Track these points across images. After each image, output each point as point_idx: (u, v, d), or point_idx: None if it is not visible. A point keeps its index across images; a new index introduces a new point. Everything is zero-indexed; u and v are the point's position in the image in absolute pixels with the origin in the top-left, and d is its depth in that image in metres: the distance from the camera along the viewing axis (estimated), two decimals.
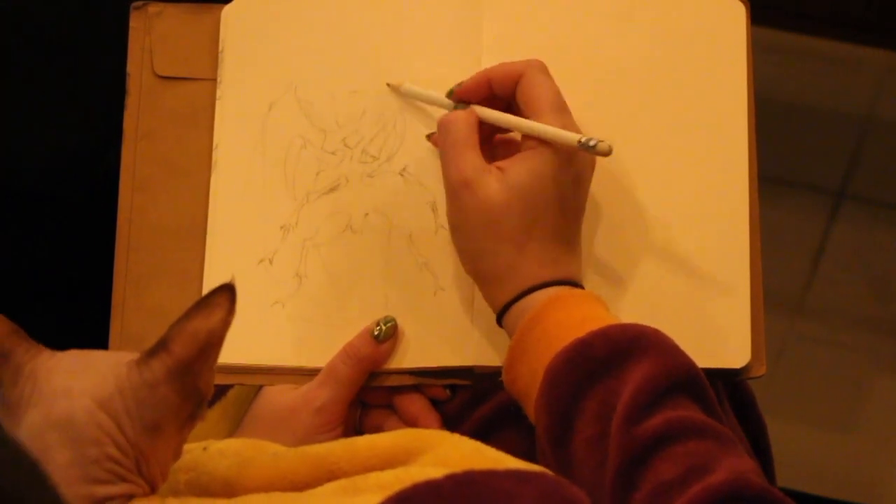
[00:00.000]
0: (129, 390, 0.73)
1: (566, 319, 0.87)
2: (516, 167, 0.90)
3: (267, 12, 1.01)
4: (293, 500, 0.75)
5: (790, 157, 2.07)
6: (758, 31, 1.00)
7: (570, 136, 0.88)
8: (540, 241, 0.90)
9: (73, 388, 0.71)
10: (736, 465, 0.80)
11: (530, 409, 0.88)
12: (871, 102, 2.11)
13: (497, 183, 0.89)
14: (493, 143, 0.95)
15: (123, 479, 0.73)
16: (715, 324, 0.95)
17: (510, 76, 0.93)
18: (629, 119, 0.97)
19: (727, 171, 0.97)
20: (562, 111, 0.91)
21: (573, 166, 0.90)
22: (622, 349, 0.84)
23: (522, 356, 0.88)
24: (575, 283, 0.91)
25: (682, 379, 0.84)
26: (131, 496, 0.73)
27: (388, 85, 0.99)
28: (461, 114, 0.92)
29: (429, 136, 0.98)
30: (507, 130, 0.95)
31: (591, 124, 0.96)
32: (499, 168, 0.90)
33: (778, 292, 1.97)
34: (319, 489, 0.76)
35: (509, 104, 0.94)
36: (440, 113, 0.95)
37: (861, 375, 1.96)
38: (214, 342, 0.73)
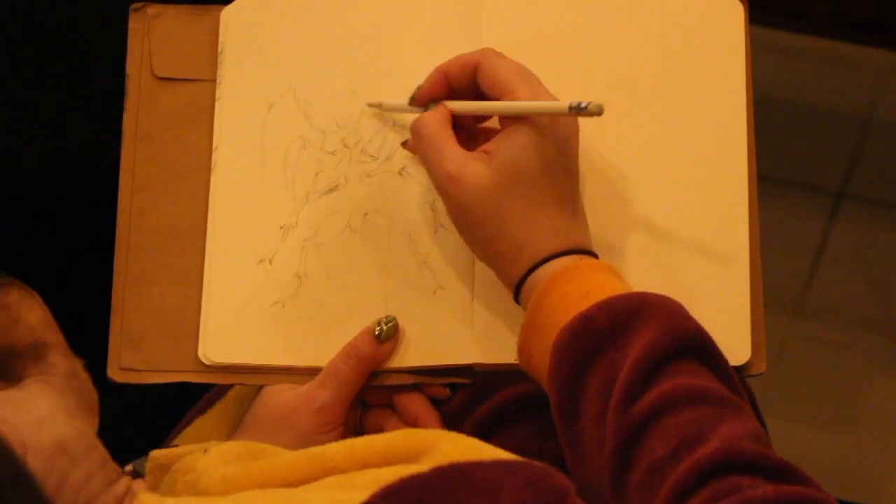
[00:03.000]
0: (66, 389, 0.73)
1: (574, 292, 0.87)
2: (501, 146, 0.89)
3: (266, 13, 1.01)
4: (286, 495, 0.75)
5: (790, 157, 2.07)
6: (758, 31, 1.00)
7: (560, 105, 0.88)
8: (540, 212, 0.89)
9: (40, 416, 0.71)
10: (731, 431, 0.80)
11: (546, 386, 0.88)
12: (871, 102, 2.11)
13: (485, 167, 0.89)
14: (476, 134, 0.95)
15: (118, 474, 0.73)
16: (715, 322, 0.94)
17: (466, 67, 0.92)
18: (628, 119, 0.98)
19: (727, 171, 0.97)
20: (530, 82, 0.90)
21: (557, 131, 0.89)
22: (624, 320, 0.84)
23: (535, 333, 0.88)
24: (584, 250, 0.91)
25: (686, 343, 0.83)
26: (130, 490, 0.73)
27: (369, 105, 0.99)
28: (429, 114, 0.92)
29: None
30: (485, 119, 0.95)
31: (590, 125, 0.96)
32: (484, 151, 0.90)
33: (778, 292, 1.97)
34: (314, 483, 0.76)
35: (477, 96, 0.93)
36: None
37: (861, 375, 1.96)
38: (52, 316, 0.75)
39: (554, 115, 0.89)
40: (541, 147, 0.89)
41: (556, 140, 0.89)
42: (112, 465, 0.73)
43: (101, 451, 0.73)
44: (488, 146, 0.90)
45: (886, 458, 1.91)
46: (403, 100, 0.96)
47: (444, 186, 0.90)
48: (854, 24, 2.03)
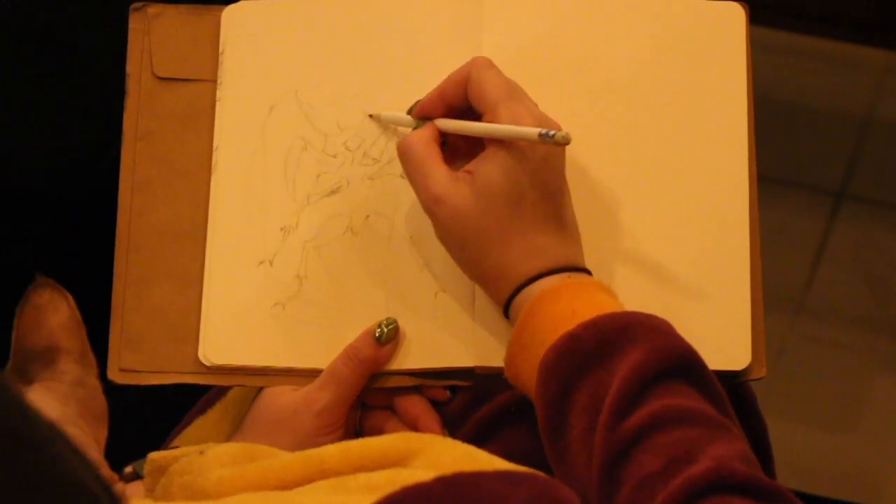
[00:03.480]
0: (69, 397, 0.73)
1: (561, 311, 0.87)
2: (482, 167, 0.89)
3: (268, 14, 1.01)
4: (280, 498, 0.75)
5: (790, 157, 2.07)
6: (758, 31, 1.00)
7: (530, 131, 0.87)
8: (526, 232, 0.89)
9: None
10: (721, 452, 0.79)
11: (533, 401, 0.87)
12: (871, 102, 2.11)
13: (468, 188, 0.89)
14: (461, 148, 0.95)
15: (112, 481, 0.73)
16: (715, 326, 0.95)
17: (459, 83, 0.92)
18: (630, 121, 0.97)
19: (727, 171, 0.97)
20: (512, 98, 0.90)
21: (537, 152, 0.89)
22: (610, 340, 0.84)
23: (521, 352, 0.88)
24: (575, 268, 0.91)
25: (674, 364, 0.83)
26: (123, 495, 0.73)
27: (370, 116, 0.98)
28: (415, 135, 0.92)
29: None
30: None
31: (591, 126, 0.96)
32: (467, 172, 0.90)
33: (778, 292, 1.97)
34: (307, 486, 0.76)
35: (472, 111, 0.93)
36: None
37: (861, 375, 1.96)
38: (80, 322, 0.75)
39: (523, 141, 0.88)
40: (517, 169, 0.88)
41: (534, 161, 0.89)
42: (102, 472, 0.73)
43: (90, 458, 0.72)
44: (471, 166, 0.90)
45: (886, 458, 1.91)
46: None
47: (430, 208, 0.90)
48: (854, 24, 2.03)
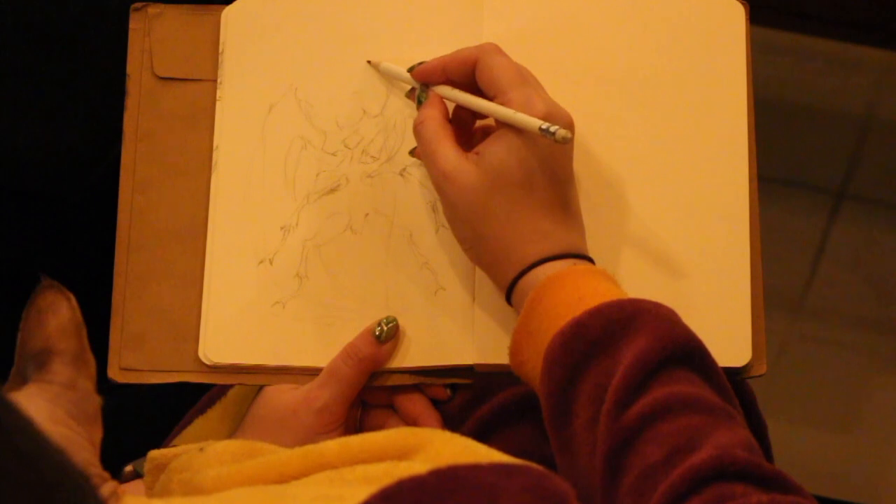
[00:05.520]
0: (60, 397, 0.74)
1: (566, 298, 0.87)
2: (491, 147, 0.90)
3: (267, 13, 1.01)
4: (276, 491, 0.75)
5: (790, 157, 2.07)
6: (758, 31, 1.00)
7: (532, 122, 0.88)
8: (526, 216, 0.89)
9: None
10: (724, 440, 0.79)
11: (538, 391, 0.87)
12: (871, 102, 2.11)
13: (475, 168, 0.89)
14: (473, 131, 0.95)
15: (104, 479, 0.73)
16: (715, 323, 0.95)
17: (465, 63, 0.93)
18: (629, 119, 0.98)
19: (727, 171, 0.97)
20: (524, 84, 0.90)
21: (546, 137, 0.89)
22: (616, 327, 0.84)
23: (527, 338, 0.88)
24: (579, 255, 0.91)
25: (679, 351, 0.83)
26: (115, 493, 0.73)
27: (368, 62, 0.99)
28: (427, 112, 0.93)
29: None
30: (485, 116, 0.95)
31: (590, 125, 0.96)
32: (476, 153, 0.90)
33: (778, 292, 1.97)
34: (305, 479, 0.76)
35: (476, 89, 0.93)
36: None
37: (861, 375, 1.96)
38: (79, 324, 0.75)
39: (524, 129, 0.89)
40: (525, 152, 0.89)
41: (543, 146, 0.89)
42: (93, 471, 0.73)
43: (80, 458, 0.72)
44: (480, 147, 0.90)
45: (886, 458, 1.91)
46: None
47: (439, 184, 0.91)
48: (854, 24, 2.04)
